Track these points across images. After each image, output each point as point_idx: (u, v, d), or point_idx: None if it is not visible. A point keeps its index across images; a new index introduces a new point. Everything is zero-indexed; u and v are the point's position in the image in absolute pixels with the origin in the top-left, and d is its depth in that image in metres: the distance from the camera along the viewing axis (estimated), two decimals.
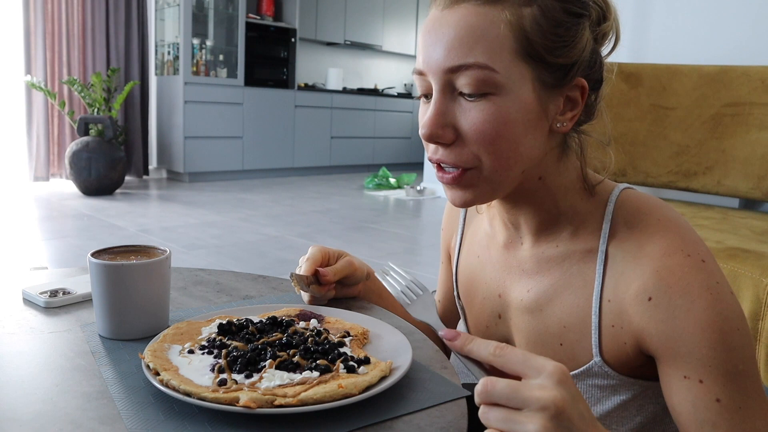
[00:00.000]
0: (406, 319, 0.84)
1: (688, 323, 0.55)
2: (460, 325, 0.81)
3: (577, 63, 0.59)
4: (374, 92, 7.58)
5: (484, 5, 0.57)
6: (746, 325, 0.57)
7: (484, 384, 0.46)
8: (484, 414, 0.46)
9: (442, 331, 0.52)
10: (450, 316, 0.90)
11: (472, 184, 0.61)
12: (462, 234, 0.82)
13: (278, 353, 0.56)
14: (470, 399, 0.53)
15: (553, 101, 0.60)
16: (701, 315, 0.55)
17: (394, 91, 7.91)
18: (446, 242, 0.87)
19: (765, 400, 0.57)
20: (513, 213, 0.69)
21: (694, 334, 0.55)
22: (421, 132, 0.60)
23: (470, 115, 0.58)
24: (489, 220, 0.76)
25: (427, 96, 0.62)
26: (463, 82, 0.58)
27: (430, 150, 0.62)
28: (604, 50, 0.64)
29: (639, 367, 0.62)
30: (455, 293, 0.83)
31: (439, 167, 0.62)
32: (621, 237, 0.62)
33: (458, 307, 0.83)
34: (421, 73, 0.61)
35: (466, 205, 0.64)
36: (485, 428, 0.57)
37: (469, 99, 0.58)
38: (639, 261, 0.59)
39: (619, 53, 0.66)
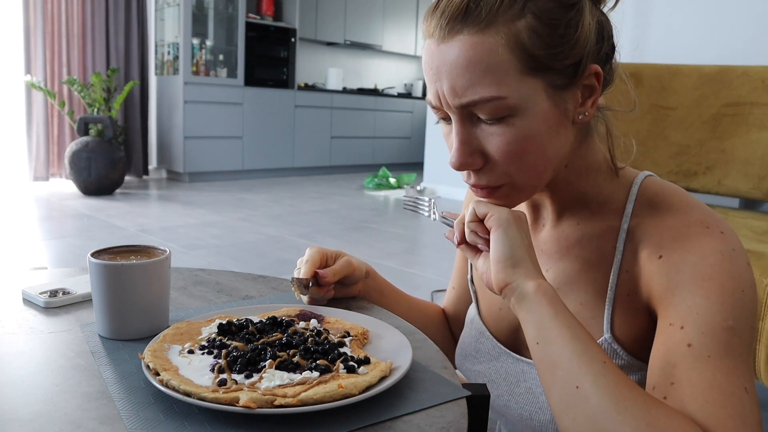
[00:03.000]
0: (408, 317, 0.84)
1: (692, 275, 0.56)
2: (472, 309, 0.81)
3: (584, 56, 0.58)
4: (374, 92, 7.58)
5: (478, 33, 0.55)
6: (755, 293, 0.56)
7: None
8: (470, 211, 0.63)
9: (443, 213, 0.71)
10: (463, 303, 0.91)
11: (506, 195, 0.63)
12: None
13: (278, 353, 0.56)
14: (470, 399, 0.53)
15: (570, 99, 0.60)
16: (707, 269, 0.55)
17: (394, 91, 7.91)
18: None
19: (748, 369, 0.53)
20: (537, 196, 0.71)
21: (694, 283, 0.55)
22: (451, 162, 0.61)
23: (494, 140, 0.59)
24: None
25: (446, 119, 0.63)
26: (479, 111, 0.58)
27: (464, 176, 0.64)
28: (607, 6, 0.62)
29: (648, 344, 0.61)
30: (469, 277, 0.84)
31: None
32: (643, 215, 0.63)
33: (471, 291, 0.83)
34: (435, 107, 0.62)
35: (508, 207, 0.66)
36: (485, 428, 0.57)
37: (489, 126, 0.59)
38: (658, 230, 0.61)
39: (619, 53, 0.66)
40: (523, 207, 0.75)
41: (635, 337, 0.63)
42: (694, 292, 0.55)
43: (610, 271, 0.64)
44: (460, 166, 0.61)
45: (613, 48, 0.63)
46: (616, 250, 0.64)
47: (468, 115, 0.59)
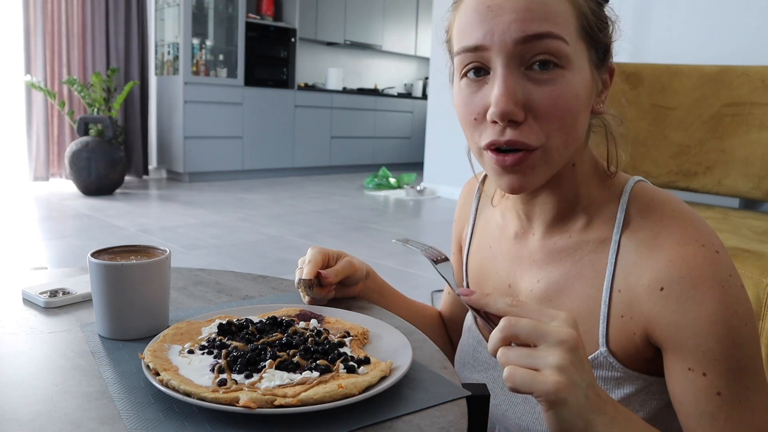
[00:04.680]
0: (406, 319, 0.84)
1: (699, 315, 0.56)
2: (469, 317, 0.81)
3: (611, 44, 0.62)
4: (374, 92, 7.58)
5: None
6: (754, 319, 0.58)
7: (507, 320, 0.50)
8: (504, 354, 0.50)
9: (459, 289, 0.55)
10: (459, 308, 0.90)
11: (533, 165, 0.59)
12: (473, 225, 0.82)
13: (278, 353, 0.56)
14: (470, 399, 0.53)
15: (598, 81, 0.62)
16: (712, 308, 0.55)
17: (394, 91, 7.91)
18: (458, 233, 0.87)
19: (767, 395, 0.57)
20: (531, 204, 0.69)
21: (703, 326, 0.56)
22: (492, 111, 0.57)
23: (544, 91, 0.57)
24: (501, 211, 0.77)
25: (478, 73, 0.59)
26: (535, 55, 0.57)
27: (493, 132, 0.59)
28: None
29: (645, 361, 0.62)
30: (465, 284, 0.83)
31: (497, 151, 0.59)
32: (634, 227, 0.62)
33: None
34: (478, 49, 0.58)
35: (523, 190, 0.62)
36: (485, 428, 0.57)
37: (540, 75, 0.57)
38: (652, 251, 0.60)
39: (619, 53, 0.67)
40: (512, 217, 0.73)
41: (629, 353, 0.62)
42: (706, 337, 0.56)
43: (602, 286, 0.63)
44: (504, 115, 0.56)
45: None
46: (607, 264, 0.63)
47: (518, 62, 0.57)
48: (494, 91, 0.57)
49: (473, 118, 0.60)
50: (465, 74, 0.61)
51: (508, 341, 0.50)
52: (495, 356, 0.51)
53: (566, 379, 0.48)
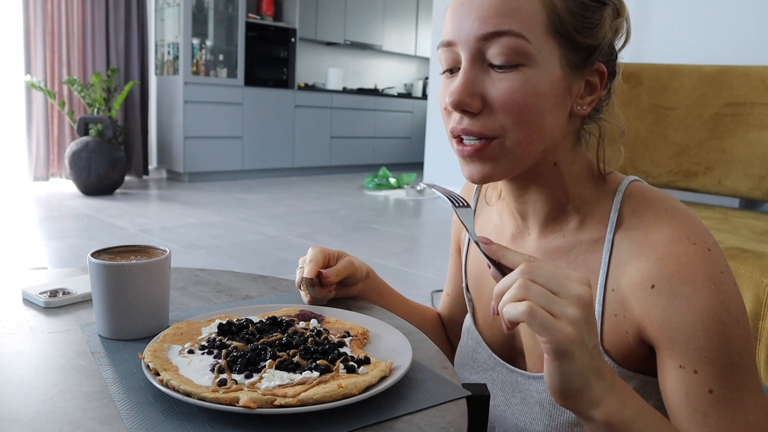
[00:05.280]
0: (407, 316, 0.84)
1: (689, 312, 0.56)
2: (468, 319, 0.81)
3: (599, 47, 0.61)
4: (374, 92, 7.57)
5: None
6: (746, 317, 0.57)
7: (526, 264, 0.51)
8: (526, 287, 0.49)
9: (478, 236, 0.56)
10: (458, 309, 0.90)
11: (493, 156, 0.61)
12: None
13: (278, 353, 0.56)
14: (470, 399, 0.53)
15: (576, 82, 0.62)
16: (702, 304, 0.55)
17: (394, 91, 7.91)
18: (456, 235, 0.88)
19: (760, 393, 0.57)
20: (522, 202, 0.69)
21: (694, 323, 0.55)
22: (448, 100, 0.60)
23: (500, 85, 0.59)
24: (498, 212, 0.77)
25: (453, 71, 0.63)
26: (495, 52, 0.58)
27: (454, 120, 0.62)
28: (617, 45, 0.66)
29: (639, 360, 0.62)
30: (464, 285, 0.84)
31: (460, 140, 0.62)
32: (628, 226, 0.62)
33: (466, 299, 0.83)
34: (449, 44, 0.62)
35: (483, 180, 0.63)
36: (485, 428, 0.57)
37: (500, 70, 0.59)
38: (644, 249, 0.60)
39: (619, 54, 0.67)
40: (508, 217, 0.74)
41: (623, 352, 0.62)
42: (697, 333, 0.55)
43: (597, 285, 0.63)
44: (458, 104, 0.60)
45: (614, 73, 0.66)
46: (601, 263, 0.63)
47: (480, 57, 0.60)
48: (455, 84, 0.60)
49: (443, 108, 0.64)
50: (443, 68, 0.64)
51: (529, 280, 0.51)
52: (500, 296, 0.51)
53: (577, 334, 0.48)
